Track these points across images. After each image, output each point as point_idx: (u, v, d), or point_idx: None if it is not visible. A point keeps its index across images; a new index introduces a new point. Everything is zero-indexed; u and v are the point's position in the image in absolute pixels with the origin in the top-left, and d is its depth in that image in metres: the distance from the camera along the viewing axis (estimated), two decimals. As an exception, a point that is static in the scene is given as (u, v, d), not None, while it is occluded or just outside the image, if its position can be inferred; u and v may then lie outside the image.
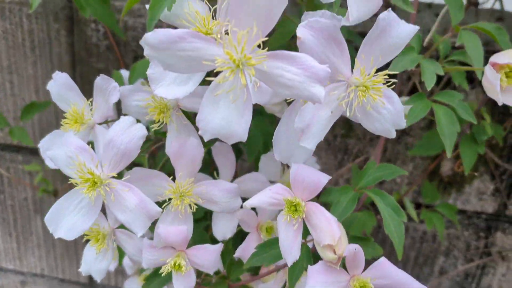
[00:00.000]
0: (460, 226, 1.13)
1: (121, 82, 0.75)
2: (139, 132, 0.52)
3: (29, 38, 1.06)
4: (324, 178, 0.48)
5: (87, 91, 1.13)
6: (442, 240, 1.02)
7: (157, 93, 0.49)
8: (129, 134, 0.52)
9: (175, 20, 0.50)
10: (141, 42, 0.39)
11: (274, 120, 0.75)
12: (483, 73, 0.49)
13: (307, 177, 0.48)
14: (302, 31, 0.41)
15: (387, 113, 0.47)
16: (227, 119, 0.41)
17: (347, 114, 0.44)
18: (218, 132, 0.42)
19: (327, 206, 0.62)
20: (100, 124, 0.60)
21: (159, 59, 0.40)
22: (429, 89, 0.54)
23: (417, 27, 0.44)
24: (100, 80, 0.58)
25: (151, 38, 0.39)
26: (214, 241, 0.71)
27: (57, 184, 1.22)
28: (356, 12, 0.41)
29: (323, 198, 0.62)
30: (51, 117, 1.13)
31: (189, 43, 0.39)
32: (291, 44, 0.56)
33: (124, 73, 0.80)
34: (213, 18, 0.48)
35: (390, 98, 0.46)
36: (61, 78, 0.60)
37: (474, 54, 0.52)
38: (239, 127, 0.41)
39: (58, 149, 0.55)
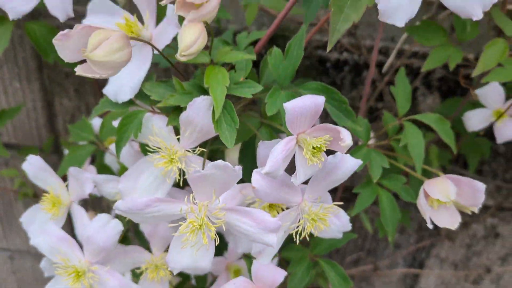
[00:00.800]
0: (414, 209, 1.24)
1: (90, 134, 0.77)
2: (116, 228, 0.58)
3: (-8, 42, 1.04)
4: (280, 275, 0.56)
5: (57, 93, 1.14)
6: (392, 245, 1.13)
7: (129, 206, 0.54)
8: (106, 231, 0.58)
9: (142, 139, 0.54)
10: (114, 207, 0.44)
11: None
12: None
13: (266, 275, 0.55)
14: (256, 180, 0.47)
15: (335, 227, 0.53)
16: (193, 259, 0.48)
17: (297, 240, 0.51)
18: (186, 269, 0.48)
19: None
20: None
21: (130, 218, 0.45)
22: (375, 180, 0.60)
23: (360, 161, 0.50)
24: (73, 171, 0.62)
25: (121, 206, 0.44)
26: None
27: (36, 186, 1.27)
28: (303, 175, 0.46)
29: (283, 254, 0.71)
30: (23, 115, 1.15)
31: (154, 207, 0.44)
32: (254, 137, 0.60)
33: (96, 121, 0.82)
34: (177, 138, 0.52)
35: (338, 216, 0.53)
36: (35, 161, 0.64)
37: (415, 154, 0.58)
38: (204, 262, 0.48)
39: (41, 238, 0.60)
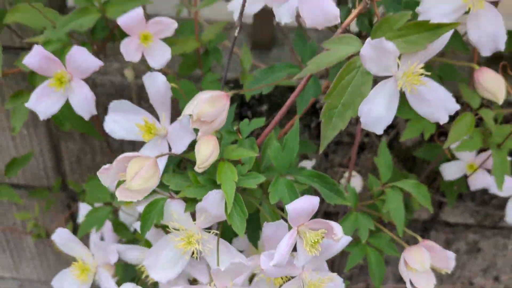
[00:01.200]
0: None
1: (106, 194, 0.85)
2: (140, 296, 0.67)
3: (-1, 93, 1.10)
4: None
5: (62, 137, 1.20)
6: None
7: (153, 277, 0.63)
8: (132, 298, 0.67)
9: (164, 222, 0.62)
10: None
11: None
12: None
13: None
14: (264, 262, 0.56)
15: (331, 289, 0.63)
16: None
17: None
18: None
19: None
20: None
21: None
22: (363, 241, 0.69)
23: (349, 238, 0.59)
24: (98, 243, 0.70)
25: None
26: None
27: (47, 223, 1.35)
28: (304, 260, 0.55)
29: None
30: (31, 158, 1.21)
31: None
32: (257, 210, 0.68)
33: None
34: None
35: (334, 282, 0.62)
36: (63, 234, 0.72)
37: (396, 217, 0.68)
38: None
39: (74, 304, 0.69)
